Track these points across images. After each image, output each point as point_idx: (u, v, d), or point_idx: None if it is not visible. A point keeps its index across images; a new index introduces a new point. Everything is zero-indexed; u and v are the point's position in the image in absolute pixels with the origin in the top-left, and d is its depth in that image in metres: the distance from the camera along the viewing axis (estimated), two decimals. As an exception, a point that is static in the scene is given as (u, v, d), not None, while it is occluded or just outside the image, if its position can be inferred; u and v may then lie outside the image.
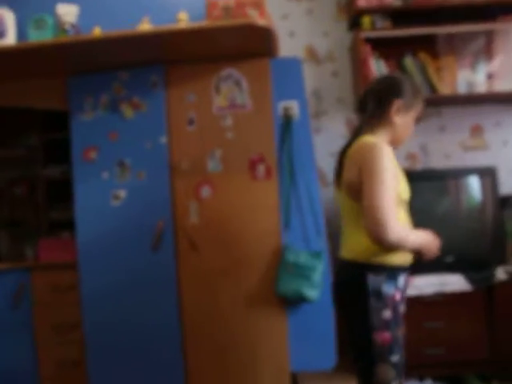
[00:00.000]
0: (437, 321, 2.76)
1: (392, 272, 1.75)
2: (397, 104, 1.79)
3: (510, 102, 3.37)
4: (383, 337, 1.73)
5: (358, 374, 1.85)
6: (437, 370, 2.80)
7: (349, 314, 1.82)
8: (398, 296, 1.76)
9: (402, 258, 1.77)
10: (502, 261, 2.88)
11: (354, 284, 1.76)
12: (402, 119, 1.83)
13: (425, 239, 1.81)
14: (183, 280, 2.56)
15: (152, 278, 2.56)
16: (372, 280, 1.72)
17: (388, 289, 1.73)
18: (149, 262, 2.56)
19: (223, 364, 2.55)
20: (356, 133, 1.84)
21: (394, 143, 1.88)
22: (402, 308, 1.81)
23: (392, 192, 1.67)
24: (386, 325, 1.73)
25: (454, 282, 2.72)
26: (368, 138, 1.77)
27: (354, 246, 1.79)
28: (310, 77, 3.29)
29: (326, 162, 3.27)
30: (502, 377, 2.72)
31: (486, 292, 2.75)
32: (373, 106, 1.82)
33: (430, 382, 2.81)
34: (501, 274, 2.76)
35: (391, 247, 1.69)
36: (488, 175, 2.92)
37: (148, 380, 2.56)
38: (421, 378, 2.82)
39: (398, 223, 1.67)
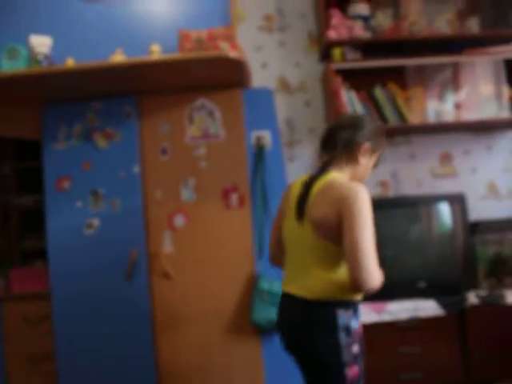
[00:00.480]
0: (411, 346, 2.77)
1: (356, 307, 1.77)
2: (364, 146, 1.84)
3: (477, 130, 3.48)
4: (353, 371, 1.74)
5: None
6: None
7: (315, 352, 1.76)
8: (360, 329, 1.78)
9: (360, 294, 1.78)
10: (473, 285, 2.93)
11: (324, 322, 1.73)
12: (367, 160, 1.88)
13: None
14: (157, 309, 2.55)
15: (126, 307, 2.54)
16: (342, 317, 1.72)
17: (355, 324, 1.75)
18: (122, 291, 2.54)
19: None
20: (322, 168, 1.84)
21: (354, 180, 1.87)
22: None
23: (370, 237, 1.66)
24: (355, 359, 1.74)
25: (427, 307, 2.75)
26: (339, 177, 1.79)
27: (322, 284, 1.73)
28: (283, 107, 3.36)
29: (299, 190, 3.31)
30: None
31: (458, 316, 2.77)
32: (341, 145, 1.83)
33: (405, 409, 2.81)
34: (472, 298, 2.80)
35: (370, 292, 1.68)
36: (457, 202, 2.99)
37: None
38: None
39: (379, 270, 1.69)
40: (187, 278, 2.56)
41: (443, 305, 2.74)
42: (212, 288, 2.55)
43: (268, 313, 2.45)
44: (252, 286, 2.51)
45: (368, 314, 2.71)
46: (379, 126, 1.95)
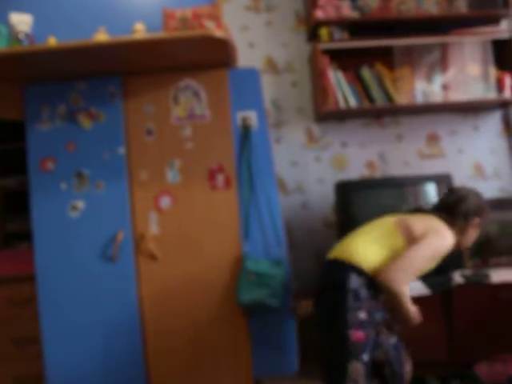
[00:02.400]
0: (396, 324, 2.80)
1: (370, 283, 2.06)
2: (476, 221, 2.26)
3: (465, 111, 3.48)
4: (357, 335, 1.97)
5: (328, 371, 2.08)
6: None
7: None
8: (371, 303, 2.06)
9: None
10: (459, 265, 2.96)
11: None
12: (473, 232, 2.29)
13: (414, 313, 2.16)
14: (143, 290, 2.55)
15: (111, 289, 2.53)
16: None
17: (364, 293, 2.04)
18: (108, 273, 2.53)
19: (185, 372, 2.54)
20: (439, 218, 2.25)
21: (458, 245, 2.29)
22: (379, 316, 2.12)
23: (423, 266, 2.10)
24: (361, 325, 1.98)
25: (413, 287, 2.76)
26: (447, 228, 2.19)
27: (368, 260, 2.08)
28: (270, 87, 3.34)
29: (286, 171, 3.32)
30: (462, 377, 2.77)
31: (444, 296, 2.80)
32: (461, 216, 2.24)
33: (391, 386, 2.85)
34: (458, 278, 2.83)
35: (389, 292, 2.02)
36: (444, 182, 2.99)
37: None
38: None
39: (408, 287, 2.07)
40: (173, 259, 2.55)
41: (429, 284, 2.76)
42: (198, 269, 2.55)
43: (254, 293, 2.45)
44: (238, 267, 2.51)
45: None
46: (486, 204, 2.33)
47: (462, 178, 3.42)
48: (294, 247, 3.29)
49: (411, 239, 2.12)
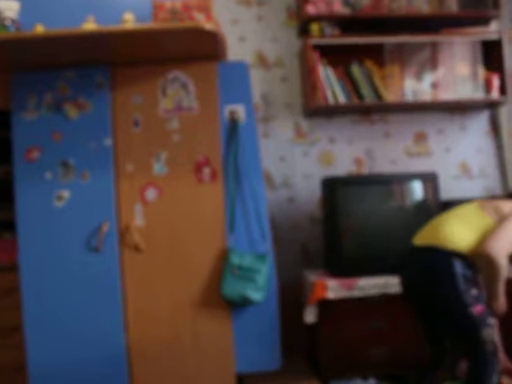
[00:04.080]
0: (380, 321, 2.82)
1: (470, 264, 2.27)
2: None
3: (453, 110, 3.50)
4: (478, 309, 2.20)
5: (464, 344, 2.31)
6: (380, 369, 2.86)
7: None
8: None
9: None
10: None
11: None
12: None
13: (502, 297, 2.31)
14: (127, 282, 2.54)
15: (95, 280, 2.52)
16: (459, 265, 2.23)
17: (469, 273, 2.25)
18: (92, 264, 2.52)
19: (167, 366, 2.54)
20: None
21: None
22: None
23: None
24: (477, 299, 2.22)
25: (398, 284, 2.78)
26: None
27: (463, 243, 2.25)
28: (259, 81, 3.33)
29: (273, 166, 3.32)
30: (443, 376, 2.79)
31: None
32: None
33: (373, 381, 2.87)
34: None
35: (490, 262, 2.19)
36: (429, 181, 3.01)
37: (91, 379, 2.52)
38: (365, 377, 2.87)
39: (506, 261, 2.22)
40: (158, 251, 2.54)
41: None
42: (183, 261, 2.54)
43: (238, 287, 2.46)
44: (223, 260, 2.51)
45: (339, 289, 2.74)
46: None
47: (448, 177, 3.45)
48: (280, 242, 3.29)
49: (501, 217, 2.29)
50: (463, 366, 2.53)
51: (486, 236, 2.23)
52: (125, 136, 2.57)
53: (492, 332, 2.24)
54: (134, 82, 2.58)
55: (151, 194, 2.56)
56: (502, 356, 2.59)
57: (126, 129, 2.57)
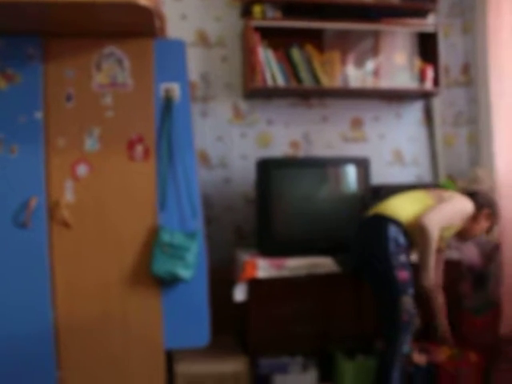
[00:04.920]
0: (308, 300, 2.91)
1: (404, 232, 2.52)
2: (488, 213, 2.71)
3: (389, 98, 3.60)
4: (402, 275, 2.43)
5: (384, 306, 2.51)
6: (307, 346, 2.96)
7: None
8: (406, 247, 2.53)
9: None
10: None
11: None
12: (484, 222, 2.72)
13: (431, 269, 2.52)
14: (56, 258, 2.51)
15: (23, 256, 2.48)
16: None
17: (402, 240, 2.50)
18: (20, 239, 2.48)
19: (96, 342, 2.55)
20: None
21: (467, 233, 2.73)
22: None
23: (450, 219, 2.58)
24: (403, 266, 2.45)
25: (325, 265, 2.88)
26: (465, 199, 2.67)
27: (402, 214, 2.54)
28: (200, 60, 3.33)
29: (211, 146, 3.34)
30: (366, 351, 2.92)
31: (352, 274, 2.92)
32: (476, 203, 2.67)
33: (300, 358, 2.97)
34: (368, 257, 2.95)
35: (423, 232, 2.45)
36: (362, 166, 3.10)
37: (17, 359, 2.50)
38: (292, 355, 2.97)
39: (438, 234, 2.50)
40: (88, 227, 2.53)
41: (340, 263, 2.87)
42: (113, 239, 2.54)
43: (168, 264, 2.48)
44: (153, 238, 2.53)
45: (269, 269, 2.80)
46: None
47: (382, 163, 3.56)
48: (215, 221, 3.33)
49: (441, 200, 2.59)
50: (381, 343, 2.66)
51: (427, 211, 2.50)
52: (56, 110, 2.51)
53: (410, 302, 2.44)
54: (68, 55, 2.53)
55: (82, 169, 2.53)
56: (443, 323, 2.83)
57: (58, 103, 2.52)
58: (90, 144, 2.53)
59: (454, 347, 2.84)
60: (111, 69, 2.55)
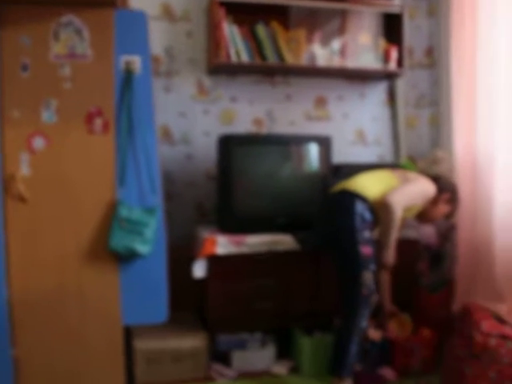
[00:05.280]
0: (267, 277, 2.94)
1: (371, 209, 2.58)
2: (448, 197, 2.78)
3: (353, 78, 3.62)
4: (366, 250, 2.49)
5: (346, 280, 2.56)
6: (266, 323, 2.99)
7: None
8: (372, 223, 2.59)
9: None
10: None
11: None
12: (443, 206, 2.80)
13: (393, 247, 2.61)
14: (10, 233, 2.46)
15: (-24, 230, 2.43)
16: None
17: (368, 216, 2.55)
18: (-27, 213, 2.42)
19: (52, 318, 2.52)
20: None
21: (427, 216, 2.80)
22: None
23: (414, 199, 2.66)
24: (367, 241, 2.50)
25: (285, 242, 2.91)
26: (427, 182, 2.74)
27: (369, 191, 2.59)
28: (164, 35, 3.27)
29: (173, 122, 3.30)
30: (323, 328, 2.97)
31: (311, 251, 2.96)
32: (438, 186, 2.75)
33: (259, 335, 3.01)
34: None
35: (388, 210, 2.52)
36: (323, 144, 3.11)
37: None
38: (251, 331, 3.00)
39: (401, 213, 2.57)
40: (44, 201, 2.47)
41: (299, 240, 2.90)
42: (71, 213, 2.50)
43: (126, 240, 2.46)
44: (111, 213, 2.50)
45: (227, 246, 2.81)
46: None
47: (344, 142, 3.59)
48: (176, 198, 3.31)
49: (405, 180, 2.67)
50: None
51: (392, 190, 2.57)
52: (11, 80, 2.43)
53: (371, 278, 2.50)
54: (24, 23, 2.43)
55: (39, 142, 2.47)
56: (387, 300, 2.90)
57: (13, 72, 2.43)
58: (47, 116, 2.47)
59: (399, 315, 2.92)
60: (70, 39, 2.48)
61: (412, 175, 2.76)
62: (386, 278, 2.86)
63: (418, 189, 2.68)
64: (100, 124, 2.50)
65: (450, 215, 2.88)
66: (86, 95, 2.49)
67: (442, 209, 2.81)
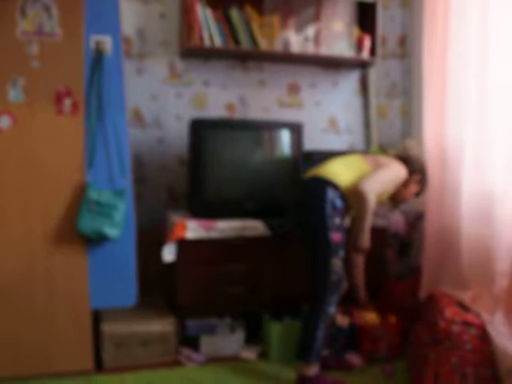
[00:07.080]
0: (237, 263, 2.94)
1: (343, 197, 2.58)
2: (418, 178, 2.85)
3: (327, 66, 3.62)
4: (336, 236, 2.50)
5: (316, 266, 2.56)
6: (235, 308, 3.00)
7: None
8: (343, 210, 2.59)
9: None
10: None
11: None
12: (413, 187, 2.85)
13: (367, 234, 2.59)
14: (-25, 213, 2.41)
15: None
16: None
17: (339, 203, 2.55)
18: None
19: (20, 300, 2.48)
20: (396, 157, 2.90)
21: (398, 197, 2.84)
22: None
23: (386, 185, 2.68)
24: (337, 228, 2.52)
25: (254, 228, 2.91)
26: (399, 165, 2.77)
27: (341, 178, 2.59)
28: (136, 16, 3.21)
29: (145, 105, 3.25)
30: (292, 313, 2.99)
31: (281, 237, 2.97)
32: (408, 168, 2.80)
33: (228, 320, 3.01)
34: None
35: (361, 197, 2.52)
36: (295, 131, 3.11)
37: None
38: (220, 316, 3.01)
39: (375, 200, 2.58)
40: (11, 183, 2.43)
41: (269, 226, 2.91)
42: (38, 195, 2.45)
43: (94, 222, 2.43)
44: (80, 195, 2.46)
45: (197, 230, 2.80)
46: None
47: (316, 130, 3.60)
48: (147, 182, 3.28)
49: (377, 166, 2.67)
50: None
51: (365, 177, 2.58)
52: (-24, 57, 2.37)
53: (340, 264, 2.53)
54: (-10, -1, 2.38)
55: (5, 121, 2.41)
56: (362, 288, 2.97)
57: (-22, 49, 2.37)
58: (14, 95, 2.41)
59: (369, 307, 2.98)
60: (37, 15, 2.42)
61: (383, 160, 2.77)
62: (360, 261, 2.90)
63: (390, 175, 2.70)
64: (69, 105, 2.46)
65: (419, 194, 2.93)
66: (55, 75, 2.45)
67: (412, 189, 2.85)
